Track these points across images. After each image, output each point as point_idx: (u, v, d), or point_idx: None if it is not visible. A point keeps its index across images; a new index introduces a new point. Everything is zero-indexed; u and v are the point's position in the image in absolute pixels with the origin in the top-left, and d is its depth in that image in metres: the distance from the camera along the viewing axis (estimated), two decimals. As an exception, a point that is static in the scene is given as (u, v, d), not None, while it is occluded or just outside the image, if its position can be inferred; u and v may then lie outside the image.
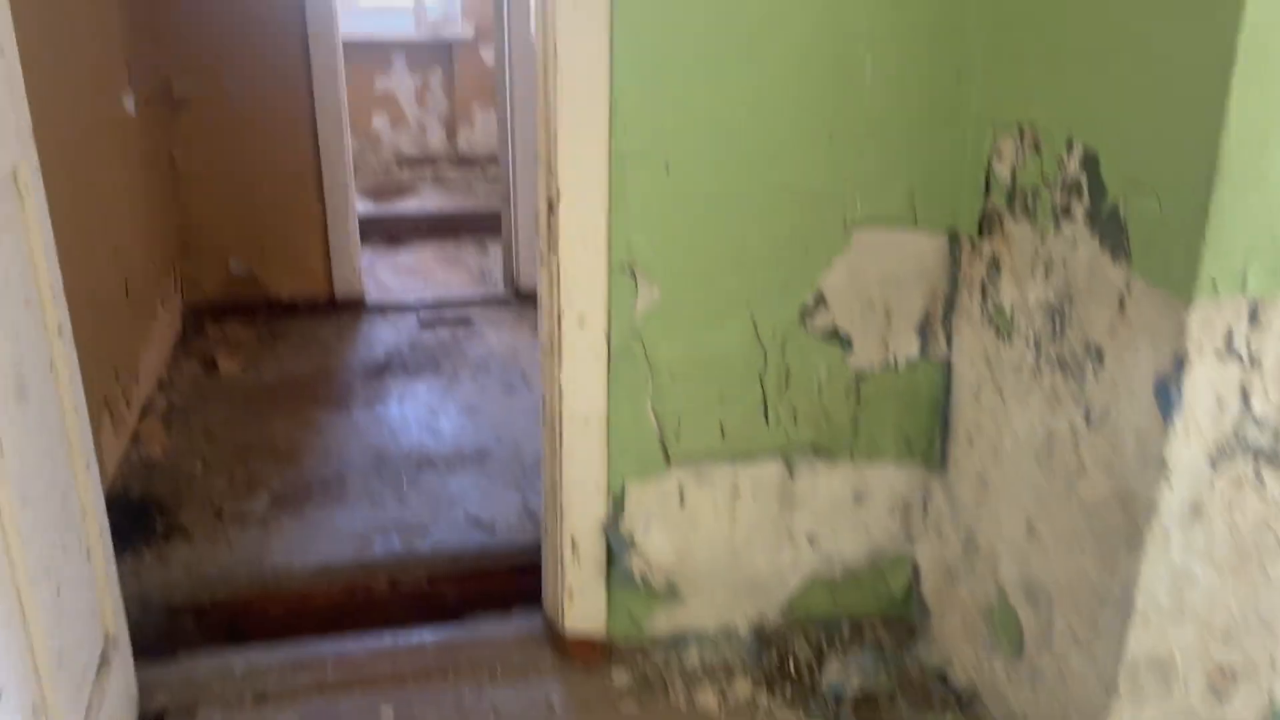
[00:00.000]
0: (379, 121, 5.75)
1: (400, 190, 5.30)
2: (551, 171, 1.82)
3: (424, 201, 5.16)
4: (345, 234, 3.89)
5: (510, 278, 4.21)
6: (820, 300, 1.97)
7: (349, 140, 3.84)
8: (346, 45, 4.87)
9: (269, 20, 3.57)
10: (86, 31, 2.78)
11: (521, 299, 4.12)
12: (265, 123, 3.67)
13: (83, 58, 2.72)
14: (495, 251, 4.78)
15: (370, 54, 5.53)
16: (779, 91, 1.82)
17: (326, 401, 3.24)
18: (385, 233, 4.94)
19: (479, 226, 5.00)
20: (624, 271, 1.88)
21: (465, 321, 3.93)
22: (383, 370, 3.49)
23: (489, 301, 4.13)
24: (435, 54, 5.66)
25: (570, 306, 1.88)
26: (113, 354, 2.81)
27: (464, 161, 5.80)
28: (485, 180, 5.57)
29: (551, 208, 1.84)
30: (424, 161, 5.76)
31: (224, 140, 3.66)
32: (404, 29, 5.52)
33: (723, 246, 1.90)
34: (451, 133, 5.84)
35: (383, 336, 3.78)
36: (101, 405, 2.67)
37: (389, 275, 4.50)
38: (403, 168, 5.71)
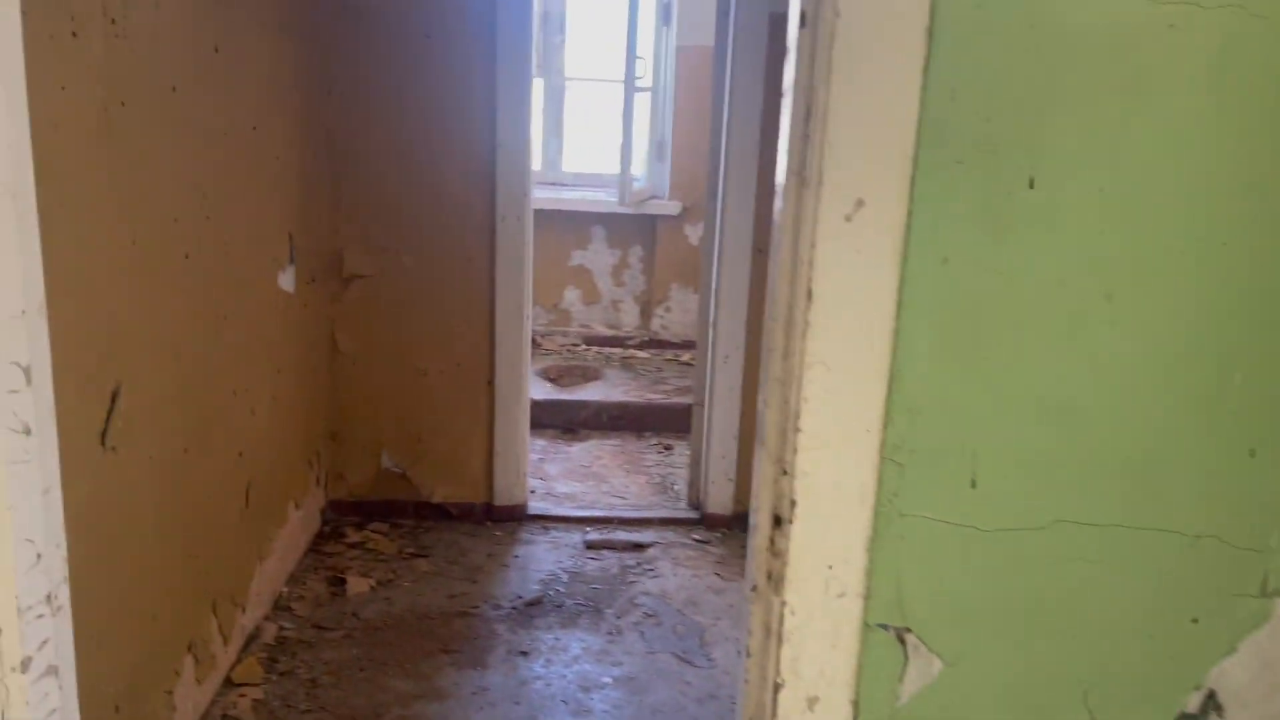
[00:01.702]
0: (571, 296, 5.37)
1: (585, 374, 4.82)
2: (785, 468, 1.16)
3: (609, 389, 4.64)
4: (514, 433, 3.37)
5: (696, 495, 3.56)
6: (1211, 704, 1.19)
7: (529, 327, 3.36)
8: (544, 214, 4.55)
9: (457, 191, 3.19)
10: (243, 202, 2.41)
11: (707, 523, 3.45)
12: (440, 302, 3.25)
13: (232, 235, 2.34)
14: (681, 455, 4.17)
15: (570, 225, 5.19)
16: (1165, 368, 1.11)
17: (460, 651, 2.62)
18: (563, 421, 4.43)
19: (666, 423, 4.42)
20: (886, 631, 1.18)
21: (638, 547, 3.29)
22: (534, 610, 2.86)
23: (669, 523, 3.48)
24: (638, 229, 5.27)
25: (796, 678, 1.19)
26: (213, 582, 2.31)
27: (657, 344, 5.30)
28: (678, 368, 5.03)
29: (779, 522, 1.18)
30: (614, 342, 5.30)
31: (392, 320, 3.25)
32: (606, 200, 5.17)
33: (1050, 606, 1.17)
34: (647, 313, 5.38)
35: (541, 560, 3.18)
36: (184, 650, 2.16)
37: (559, 473, 3.94)
38: (590, 348, 5.26)
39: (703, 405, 3.48)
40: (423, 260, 3.23)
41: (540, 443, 4.22)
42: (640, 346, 5.30)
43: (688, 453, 4.20)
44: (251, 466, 2.56)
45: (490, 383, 3.32)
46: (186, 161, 2.07)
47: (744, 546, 3.47)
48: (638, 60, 4.60)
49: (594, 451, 4.23)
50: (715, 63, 3.27)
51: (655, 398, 4.54)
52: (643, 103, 5.11)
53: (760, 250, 3.23)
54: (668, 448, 4.28)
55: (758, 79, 3.11)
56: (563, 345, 5.26)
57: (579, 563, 3.18)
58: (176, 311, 2.04)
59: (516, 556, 3.20)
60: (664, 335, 5.34)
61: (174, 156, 2.00)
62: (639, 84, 4.72)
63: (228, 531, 2.42)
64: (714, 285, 3.33)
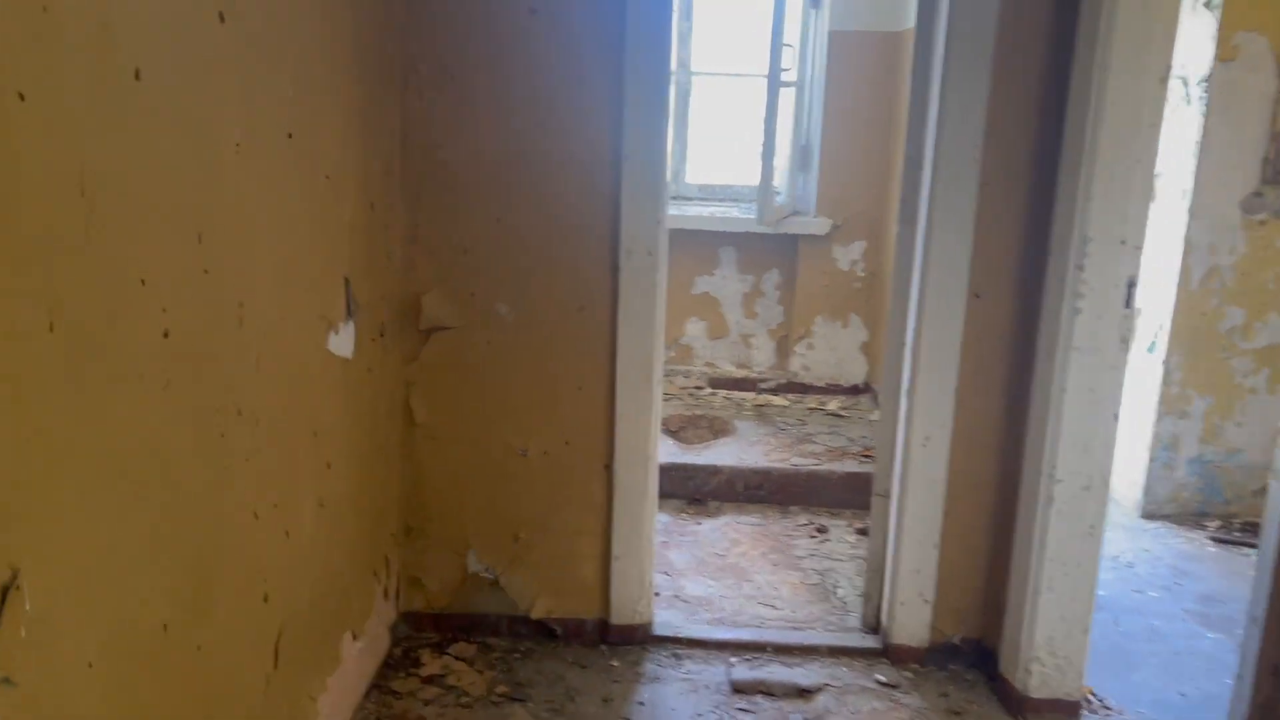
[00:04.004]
0: (694, 329, 4.56)
1: (713, 427, 4.01)
2: None
3: (743, 449, 3.81)
4: (637, 532, 2.58)
5: (874, 615, 2.70)
6: None
7: (659, 395, 2.56)
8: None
9: (568, 217, 2.42)
10: (271, 243, 1.67)
11: (892, 657, 2.59)
12: (544, 362, 2.49)
13: (252, 293, 1.60)
14: (840, 541, 3.32)
15: (695, 246, 4.39)
16: None
17: None
18: (689, 490, 3.63)
19: (817, 495, 3.58)
20: None
21: (804, 694, 2.46)
22: (669, 801, 2.06)
23: (840, 653, 2.63)
24: (775, 251, 4.44)
25: None
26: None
27: (797, 388, 4.45)
28: (826, 420, 4.17)
29: None
30: (745, 384, 4.47)
31: (483, 385, 2.50)
32: (739, 217, 4.35)
33: None
34: (784, 351, 4.54)
35: (675, 712, 2.37)
36: None
37: (688, 565, 3.14)
38: (717, 391, 4.44)
39: (887, 497, 2.62)
40: (523, 307, 2.46)
41: (662, 518, 3.43)
42: (776, 391, 4.46)
43: (847, 539, 3.37)
44: (284, 608, 1.82)
45: (608, 467, 2.54)
46: (163, 190, 1.33)
47: (946, 695, 2.61)
48: (785, 49, 3.77)
49: (729, 533, 3.41)
50: (918, 49, 2.42)
51: (802, 463, 3.69)
52: (785, 101, 4.29)
53: (977, 295, 2.38)
54: (821, 530, 3.43)
55: (982, 70, 2.26)
56: (683, 388, 4.46)
57: (726, 717, 2.36)
58: (142, 422, 1.30)
59: (641, 704, 2.40)
60: (805, 377, 4.49)
61: (140, 182, 1.26)
62: (784, 78, 3.89)
63: (244, 713, 1.68)
64: (909, 337, 2.49)
